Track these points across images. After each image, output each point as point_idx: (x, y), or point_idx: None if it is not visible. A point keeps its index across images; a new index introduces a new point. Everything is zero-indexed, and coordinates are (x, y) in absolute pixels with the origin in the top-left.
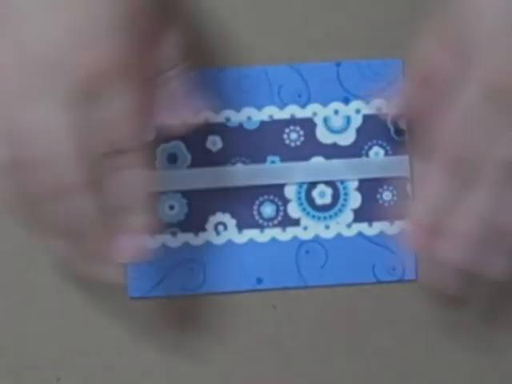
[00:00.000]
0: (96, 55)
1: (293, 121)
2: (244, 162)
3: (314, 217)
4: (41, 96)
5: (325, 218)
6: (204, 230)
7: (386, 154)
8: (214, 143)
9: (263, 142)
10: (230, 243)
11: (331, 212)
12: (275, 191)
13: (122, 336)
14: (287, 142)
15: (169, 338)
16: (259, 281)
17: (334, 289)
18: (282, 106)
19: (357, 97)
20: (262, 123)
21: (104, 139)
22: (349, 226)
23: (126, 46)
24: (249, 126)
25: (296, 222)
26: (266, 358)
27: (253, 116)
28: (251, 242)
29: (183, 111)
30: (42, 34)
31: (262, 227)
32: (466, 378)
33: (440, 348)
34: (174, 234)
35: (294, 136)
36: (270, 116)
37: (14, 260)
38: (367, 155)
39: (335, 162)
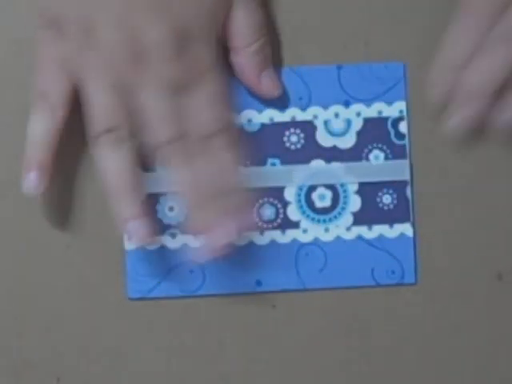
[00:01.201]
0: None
1: (293, 123)
2: (244, 164)
3: (313, 219)
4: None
5: (324, 220)
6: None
7: (386, 157)
8: None
9: (263, 144)
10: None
11: (331, 215)
12: (275, 194)
13: (122, 336)
14: (287, 144)
15: (169, 338)
16: (258, 283)
17: (334, 288)
18: (282, 108)
19: (357, 100)
20: (263, 126)
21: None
22: (348, 229)
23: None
24: (249, 129)
25: (295, 225)
26: (266, 358)
27: (253, 118)
28: (251, 244)
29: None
30: None
31: (261, 229)
32: (466, 378)
33: (440, 349)
34: (173, 235)
35: (294, 139)
36: (271, 118)
37: (14, 260)
38: (367, 159)
39: (335, 165)
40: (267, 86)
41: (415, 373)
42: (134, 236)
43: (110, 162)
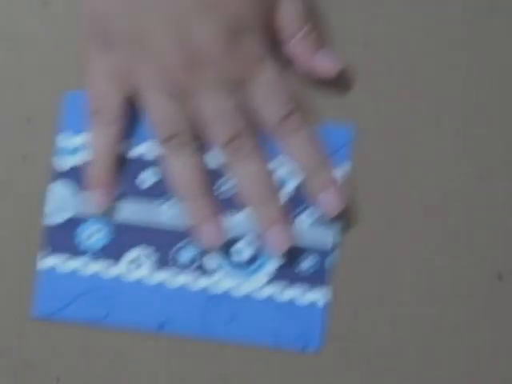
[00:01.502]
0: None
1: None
2: (171, 203)
3: (229, 271)
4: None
5: (240, 275)
6: (120, 262)
7: (315, 222)
8: (145, 180)
9: None
10: (141, 281)
11: (247, 270)
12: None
13: (121, 336)
14: (218, 191)
15: (169, 338)
16: (161, 325)
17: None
18: (216, 155)
19: None
20: None
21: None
22: (261, 287)
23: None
24: None
25: (211, 273)
26: (266, 358)
27: None
28: (162, 284)
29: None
30: None
31: (176, 271)
32: (466, 378)
33: (440, 349)
34: (87, 261)
35: (227, 186)
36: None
37: (14, 259)
38: (296, 219)
39: None
40: (323, 66)
41: (415, 373)
42: (206, 239)
43: (176, 167)
